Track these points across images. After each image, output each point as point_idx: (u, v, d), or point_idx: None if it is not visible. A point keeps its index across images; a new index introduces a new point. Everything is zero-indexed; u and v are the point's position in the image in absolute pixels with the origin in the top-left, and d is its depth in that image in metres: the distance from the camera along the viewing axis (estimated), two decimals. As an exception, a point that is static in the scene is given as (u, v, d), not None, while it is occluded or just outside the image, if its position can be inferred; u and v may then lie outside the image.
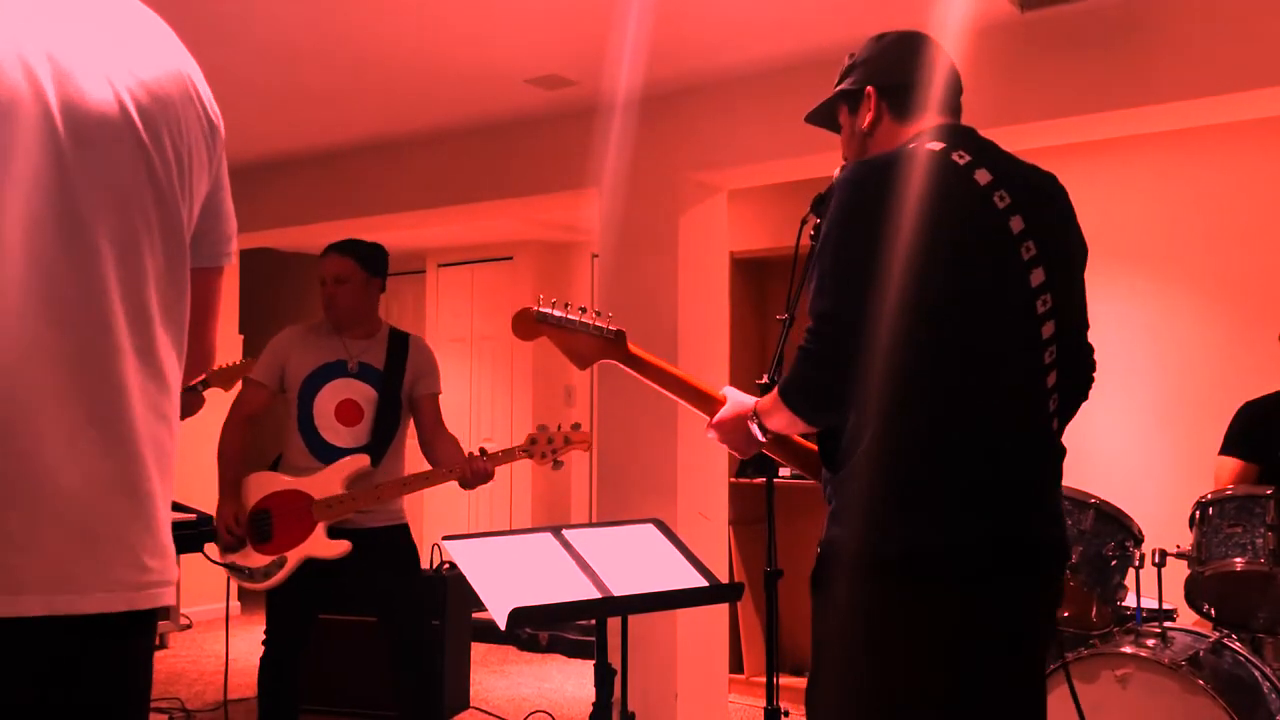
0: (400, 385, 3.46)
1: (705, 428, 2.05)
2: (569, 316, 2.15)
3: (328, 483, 3.32)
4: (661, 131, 4.37)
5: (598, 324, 2.15)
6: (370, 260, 3.48)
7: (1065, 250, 1.84)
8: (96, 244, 1.27)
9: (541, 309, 2.17)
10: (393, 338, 3.52)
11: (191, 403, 3.52)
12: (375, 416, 3.42)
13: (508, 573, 2.19)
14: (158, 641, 5.86)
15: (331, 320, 3.47)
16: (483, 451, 3.31)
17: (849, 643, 1.74)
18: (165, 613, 5.81)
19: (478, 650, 5.62)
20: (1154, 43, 3.39)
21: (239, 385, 3.55)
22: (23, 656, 1.22)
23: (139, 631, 1.32)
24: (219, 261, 1.45)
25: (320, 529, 3.30)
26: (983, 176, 1.75)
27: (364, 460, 3.35)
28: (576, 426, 3.25)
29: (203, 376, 3.51)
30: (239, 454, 3.45)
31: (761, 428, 1.92)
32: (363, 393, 3.42)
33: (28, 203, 1.22)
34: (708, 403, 2.06)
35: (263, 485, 3.39)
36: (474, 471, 3.27)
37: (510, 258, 7.51)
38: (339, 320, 3.46)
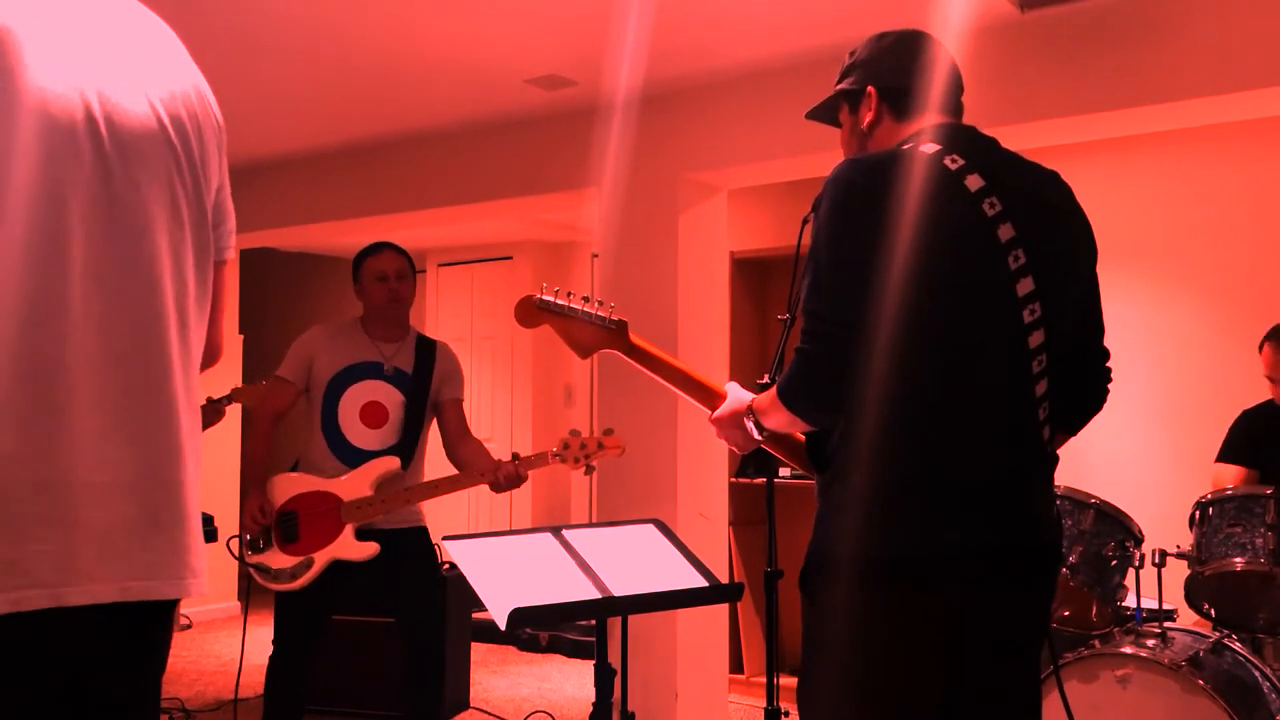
0: (427, 390, 3.46)
1: (707, 421, 2.05)
2: (571, 305, 2.16)
3: (356, 484, 3.31)
4: (661, 131, 4.37)
5: (600, 313, 2.14)
6: (412, 262, 3.62)
7: (1061, 257, 1.81)
8: (149, 241, 1.34)
9: (544, 297, 2.17)
10: (420, 342, 3.53)
11: (212, 416, 3.51)
12: (403, 420, 3.41)
13: (508, 573, 2.19)
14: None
15: (393, 316, 3.49)
16: (515, 456, 3.28)
17: (839, 646, 1.73)
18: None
19: (478, 650, 5.62)
20: (1154, 42, 3.39)
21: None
22: (86, 643, 1.27)
23: (168, 619, 1.40)
24: (224, 255, 1.52)
25: (349, 531, 3.28)
26: (974, 182, 1.74)
27: (394, 463, 3.34)
28: (609, 432, 3.20)
29: (228, 392, 3.53)
30: (265, 452, 3.44)
31: (758, 425, 1.91)
32: (390, 396, 3.42)
33: (87, 205, 1.29)
34: (709, 396, 2.05)
35: (288, 487, 3.36)
36: (505, 476, 3.24)
37: (510, 258, 7.51)
38: (399, 316, 3.50)
